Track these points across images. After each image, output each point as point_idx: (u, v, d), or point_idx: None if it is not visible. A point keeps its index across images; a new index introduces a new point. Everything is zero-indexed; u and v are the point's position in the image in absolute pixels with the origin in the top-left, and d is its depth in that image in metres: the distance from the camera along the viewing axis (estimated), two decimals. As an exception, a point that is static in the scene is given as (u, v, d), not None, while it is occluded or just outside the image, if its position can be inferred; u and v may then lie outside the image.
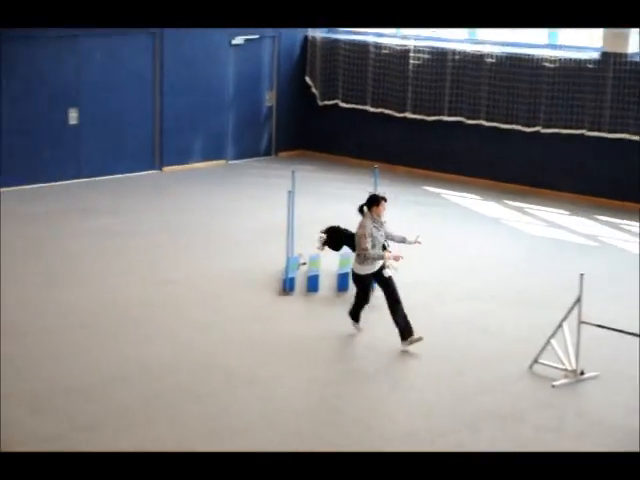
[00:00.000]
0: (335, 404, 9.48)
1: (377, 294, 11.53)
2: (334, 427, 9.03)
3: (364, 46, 19.38)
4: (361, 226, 10.71)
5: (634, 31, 16.29)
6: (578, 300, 10.01)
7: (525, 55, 17.43)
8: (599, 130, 16.72)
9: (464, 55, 18.11)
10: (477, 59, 17.94)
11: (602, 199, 16.60)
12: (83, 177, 17.96)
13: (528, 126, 17.46)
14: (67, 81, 17.60)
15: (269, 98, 20.18)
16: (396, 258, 10.68)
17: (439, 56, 18.40)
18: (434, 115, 18.60)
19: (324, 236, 12.60)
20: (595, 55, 16.75)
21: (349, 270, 12.75)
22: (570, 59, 16.91)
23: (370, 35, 19.44)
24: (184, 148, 19.16)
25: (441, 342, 10.89)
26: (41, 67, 17.30)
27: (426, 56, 18.59)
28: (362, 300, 11.04)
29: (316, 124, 20.36)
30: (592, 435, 8.87)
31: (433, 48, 18.49)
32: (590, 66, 16.71)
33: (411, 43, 18.75)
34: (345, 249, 12.80)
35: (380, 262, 10.71)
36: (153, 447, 8.65)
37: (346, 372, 10.23)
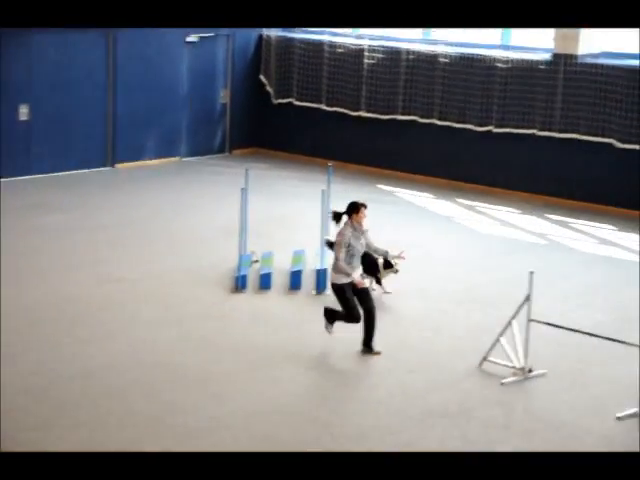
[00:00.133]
0: (286, 403, 9.50)
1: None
2: (286, 426, 9.04)
3: (319, 45, 19.41)
4: (339, 234, 10.39)
5: (584, 32, 16.46)
6: (527, 298, 10.11)
7: (478, 55, 17.56)
8: (550, 130, 16.88)
9: (418, 55, 18.20)
10: (431, 59, 18.04)
11: (553, 198, 16.77)
12: (34, 173, 17.83)
13: (481, 125, 17.59)
14: (18, 77, 17.45)
15: (223, 96, 20.15)
16: (359, 284, 10.36)
17: (393, 55, 18.48)
18: (388, 114, 18.68)
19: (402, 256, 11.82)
20: (546, 56, 16.91)
21: (301, 268, 12.82)
22: (522, 60, 17.05)
23: (325, 34, 19.48)
24: (137, 145, 19.08)
25: (392, 340, 10.94)
26: (-8, 63, 17.18)
27: (380, 55, 18.66)
28: (349, 316, 10.39)
29: (270, 122, 20.36)
30: (540, 432, 8.97)
31: (387, 48, 18.57)
32: (541, 67, 16.86)
33: (365, 43, 18.81)
34: (300, 247, 12.83)
35: (359, 272, 10.40)
36: (102, 447, 8.62)
37: (298, 370, 10.24)
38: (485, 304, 11.96)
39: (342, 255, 10.25)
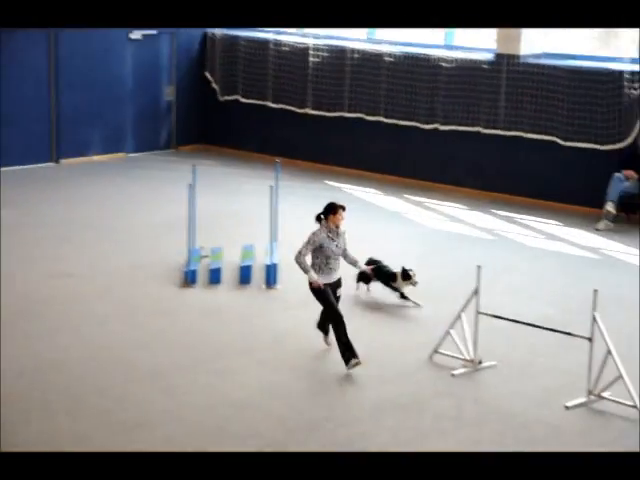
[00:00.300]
0: (238, 397, 9.49)
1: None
2: (238, 420, 9.04)
3: (264, 43, 19.42)
4: (313, 233, 10.11)
5: (526, 33, 16.66)
6: (476, 291, 10.21)
7: (422, 55, 17.68)
8: (494, 128, 17.05)
9: (363, 54, 18.28)
10: (376, 58, 18.12)
11: (498, 194, 16.95)
12: (-23, 169, 17.67)
13: (427, 123, 17.71)
14: (-41, 74, 17.28)
15: (168, 92, 20.07)
16: (314, 284, 10.03)
17: (338, 54, 18.54)
18: (335, 111, 18.74)
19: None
20: (489, 56, 17.08)
21: (251, 262, 12.82)
22: (465, 59, 17.21)
23: (270, 32, 19.49)
24: (82, 141, 18.95)
25: (343, 334, 10.98)
26: None
27: (325, 54, 18.71)
28: (332, 316, 10.01)
29: (217, 119, 20.33)
30: (490, 422, 9.06)
31: (332, 46, 18.62)
32: (485, 66, 17.03)
33: (310, 41, 18.85)
34: (248, 243, 12.83)
35: (338, 275, 10.13)
36: (52, 441, 8.56)
37: (248, 363, 10.24)
38: (434, 298, 12.05)
39: (304, 250, 10.00)
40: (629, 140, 15.74)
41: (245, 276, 12.53)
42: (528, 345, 10.70)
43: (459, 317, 10.26)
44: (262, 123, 19.71)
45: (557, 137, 16.39)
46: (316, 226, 10.27)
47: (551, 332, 10.13)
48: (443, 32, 17.77)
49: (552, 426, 8.96)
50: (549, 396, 9.55)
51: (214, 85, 20.27)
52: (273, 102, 19.47)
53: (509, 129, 16.91)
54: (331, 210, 10.09)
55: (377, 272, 11.73)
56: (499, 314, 10.38)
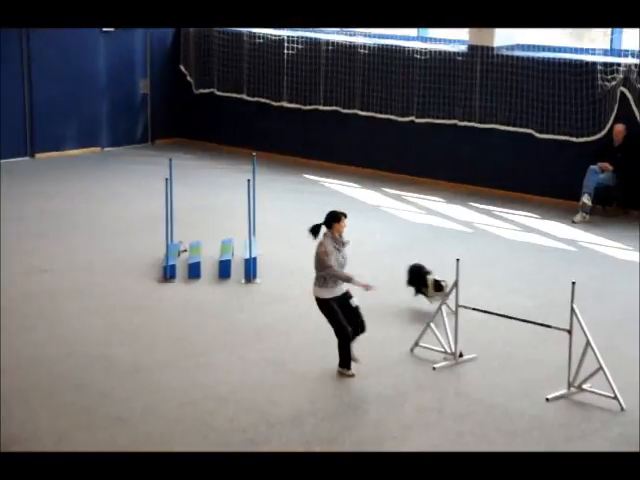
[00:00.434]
0: (220, 392, 9.49)
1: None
2: (220, 415, 9.04)
3: (238, 35, 19.37)
4: (321, 244, 9.56)
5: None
6: (455, 285, 10.26)
7: (396, 47, 17.69)
8: (470, 120, 17.10)
9: (337, 46, 18.28)
10: (350, 50, 18.12)
11: (476, 187, 16.99)
12: (-51, 164, 17.55)
13: (402, 116, 17.73)
14: None
15: (143, 86, 19.99)
16: (367, 287, 9.62)
17: (313, 46, 18.52)
18: (310, 104, 18.73)
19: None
20: (463, 48, 17.12)
21: (230, 257, 12.81)
22: (439, 52, 17.24)
23: (244, 24, 19.42)
24: (57, 135, 18.86)
25: (325, 327, 10.95)
26: None
27: (300, 46, 18.69)
28: (341, 335, 9.62)
29: (193, 112, 20.28)
30: (471, 415, 9.11)
31: (306, 39, 18.60)
32: (459, 59, 17.07)
33: (284, 33, 18.82)
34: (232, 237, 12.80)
35: (344, 286, 9.60)
36: (33, 438, 8.54)
37: (230, 359, 10.24)
38: (414, 291, 12.06)
39: (330, 262, 9.42)
40: (604, 132, 15.83)
41: (224, 270, 12.52)
42: (508, 338, 10.75)
43: (439, 310, 10.30)
44: (238, 116, 19.67)
45: (532, 129, 16.45)
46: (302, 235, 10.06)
47: (530, 324, 10.20)
48: (416, 24, 17.77)
49: (533, 418, 9.02)
50: (530, 388, 9.61)
51: (189, 78, 20.21)
52: (249, 95, 19.44)
53: (484, 121, 16.96)
54: (335, 219, 9.59)
55: (412, 277, 11.45)
56: (477, 306, 10.43)
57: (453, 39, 17.42)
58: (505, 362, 10.26)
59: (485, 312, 10.75)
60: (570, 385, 9.46)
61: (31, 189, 16.61)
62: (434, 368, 10.02)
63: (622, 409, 9.16)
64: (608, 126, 15.75)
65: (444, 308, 10.30)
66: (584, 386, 9.42)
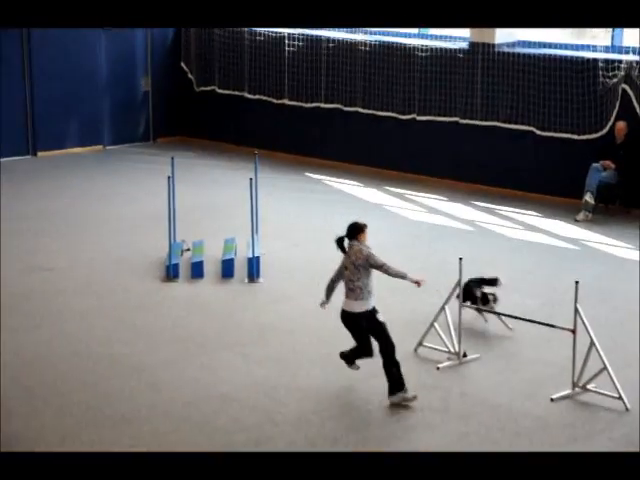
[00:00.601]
0: (224, 391, 9.50)
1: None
2: (224, 414, 9.06)
3: (239, 33, 19.34)
4: (360, 249, 9.21)
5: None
6: (458, 284, 10.26)
7: (397, 44, 17.68)
8: (472, 118, 17.09)
9: (338, 43, 18.27)
10: (351, 47, 18.11)
11: (477, 185, 16.98)
12: (-49, 162, 17.55)
13: (404, 114, 17.72)
14: None
15: (144, 84, 19.97)
16: (419, 283, 9.49)
17: (313, 44, 18.50)
18: (312, 102, 18.72)
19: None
20: (464, 45, 17.11)
21: (233, 256, 12.81)
22: (440, 49, 17.23)
23: (245, 21, 19.38)
24: (59, 133, 18.85)
25: (328, 326, 10.97)
26: None
27: (301, 44, 18.68)
28: (364, 350, 9.35)
29: (194, 110, 20.25)
30: (476, 415, 9.12)
31: (307, 36, 18.59)
32: (460, 55, 17.05)
33: (285, 31, 18.80)
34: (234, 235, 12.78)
35: (373, 301, 9.32)
36: (38, 437, 8.55)
37: (234, 358, 10.25)
38: (417, 290, 11.99)
39: (381, 260, 9.25)
40: (605, 130, 15.83)
41: (227, 269, 12.52)
42: (511, 338, 10.75)
43: (443, 310, 10.30)
44: (240, 114, 19.65)
45: (534, 127, 16.44)
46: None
47: (534, 324, 10.21)
48: (417, 20, 17.73)
49: (538, 418, 9.03)
50: (534, 388, 9.62)
51: (190, 76, 20.19)
52: (250, 93, 19.42)
53: (486, 119, 16.95)
54: (359, 230, 9.36)
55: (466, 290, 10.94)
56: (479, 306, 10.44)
57: (454, 36, 17.40)
58: (509, 362, 10.27)
59: (488, 312, 10.78)
60: (574, 385, 9.47)
61: (33, 188, 16.61)
62: (438, 368, 10.03)
63: (627, 409, 9.16)
64: (610, 124, 15.73)
65: (447, 308, 10.30)
66: (588, 386, 9.43)
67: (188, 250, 13.17)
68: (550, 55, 16.29)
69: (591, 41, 16.85)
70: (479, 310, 10.89)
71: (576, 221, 15.19)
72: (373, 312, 9.31)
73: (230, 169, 17.93)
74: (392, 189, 16.99)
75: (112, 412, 9.05)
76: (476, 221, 15.30)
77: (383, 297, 11.85)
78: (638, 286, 12.15)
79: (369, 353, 9.39)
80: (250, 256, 12.51)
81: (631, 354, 10.30)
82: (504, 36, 16.74)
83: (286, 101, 18.99)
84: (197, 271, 12.48)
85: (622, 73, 15.59)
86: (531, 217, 15.49)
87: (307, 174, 17.91)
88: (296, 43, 18.66)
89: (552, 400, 9.35)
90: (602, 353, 9.31)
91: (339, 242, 9.36)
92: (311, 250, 13.69)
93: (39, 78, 18.47)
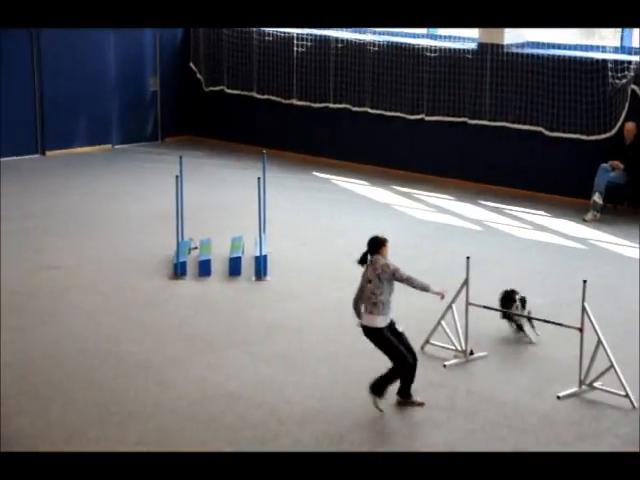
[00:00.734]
0: (230, 389, 9.50)
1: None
2: (230, 412, 9.05)
3: (247, 33, 19.36)
4: (386, 264, 9.05)
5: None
6: (465, 282, 10.25)
7: (406, 44, 17.68)
8: (480, 118, 17.07)
9: (347, 43, 18.27)
10: (360, 47, 18.12)
11: (485, 185, 16.97)
12: (-38, 161, 17.59)
13: (412, 114, 17.72)
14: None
15: (153, 83, 20.00)
16: (442, 295, 9.44)
17: (322, 44, 18.52)
18: (320, 102, 18.72)
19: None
20: (472, 45, 17.10)
21: (240, 254, 12.82)
22: (449, 49, 17.22)
23: (253, 22, 19.39)
24: (68, 132, 18.90)
25: (335, 325, 11.01)
26: None
27: (309, 44, 18.69)
28: (402, 361, 8.95)
29: (203, 110, 20.28)
30: (482, 412, 9.11)
31: (316, 36, 18.60)
32: (468, 56, 17.05)
33: (294, 31, 18.81)
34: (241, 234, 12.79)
35: (393, 314, 9.16)
36: (45, 435, 8.57)
37: (240, 356, 10.25)
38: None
39: (404, 271, 9.12)
40: (614, 130, 15.80)
41: (235, 268, 12.53)
42: (518, 336, 10.74)
43: (450, 308, 10.29)
44: (248, 114, 19.67)
45: (542, 127, 16.43)
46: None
47: (541, 322, 10.19)
48: (426, 21, 17.72)
49: (544, 416, 9.01)
50: (541, 386, 9.60)
51: (199, 76, 20.22)
52: (258, 93, 19.44)
53: (494, 119, 16.94)
54: (382, 244, 9.16)
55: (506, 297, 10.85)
56: (489, 305, 10.42)
57: (463, 37, 17.40)
58: (516, 360, 10.26)
59: (496, 310, 10.76)
60: (581, 383, 9.45)
61: (42, 186, 16.65)
62: (445, 366, 10.02)
63: (633, 407, 9.14)
64: (619, 124, 15.71)
65: (454, 306, 10.28)
66: (595, 384, 9.41)
67: (196, 248, 13.19)
68: (559, 56, 16.28)
69: (600, 42, 16.82)
70: (510, 318, 10.73)
71: (584, 221, 15.17)
72: (392, 323, 9.18)
73: (238, 168, 17.94)
74: (400, 189, 16.98)
75: (118, 410, 9.06)
76: (484, 221, 15.28)
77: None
78: (646, 285, 12.15)
79: (405, 362, 8.98)
80: (257, 254, 12.52)
81: (638, 352, 10.26)
82: (513, 37, 16.73)
83: (295, 101, 19.00)
84: (204, 269, 12.49)
85: (631, 74, 15.57)
86: (540, 217, 15.47)
87: (315, 173, 17.91)
88: (305, 43, 18.68)
89: (559, 398, 9.33)
90: (609, 351, 9.30)
91: (363, 259, 9.12)
92: (318, 249, 13.70)
93: (48, 78, 18.53)
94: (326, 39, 18.46)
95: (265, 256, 12.50)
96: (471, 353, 10.19)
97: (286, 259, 13.11)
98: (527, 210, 15.80)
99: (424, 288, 9.30)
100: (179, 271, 12.38)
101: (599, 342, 9.33)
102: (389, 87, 17.88)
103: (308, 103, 18.84)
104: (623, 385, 9.22)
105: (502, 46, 16.69)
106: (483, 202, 16.23)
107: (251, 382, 9.65)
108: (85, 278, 12.41)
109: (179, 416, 8.96)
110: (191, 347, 10.43)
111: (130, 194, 16.32)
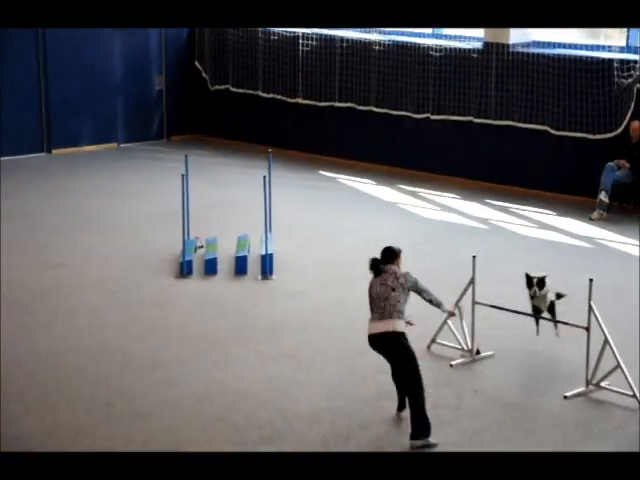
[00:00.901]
0: (237, 386, 9.51)
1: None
2: (237, 411, 9.06)
3: (253, 32, 19.35)
4: (406, 273, 8.98)
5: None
6: (471, 281, 10.24)
7: (411, 43, 17.66)
8: (486, 117, 17.06)
9: (352, 42, 18.27)
10: (365, 46, 18.11)
11: (491, 184, 16.96)
12: (-33, 159, 17.60)
13: (418, 113, 17.71)
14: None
15: (158, 82, 20.01)
16: (453, 313, 9.68)
17: (328, 43, 18.51)
18: (325, 101, 18.72)
19: None
20: (478, 45, 17.08)
21: (246, 253, 12.82)
22: (454, 48, 17.21)
23: (258, 21, 19.37)
24: (73, 131, 18.92)
25: (341, 323, 11.01)
26: None
27: (314, 43, 18.68)
28: (418, 372, 8.64)
29: (208, 108, 20.29)
30: (489, 412, 9.10)
31: (321, 35, 18.59)
32: (474, 55, 17.03)
33: (299, 30, 18.80)
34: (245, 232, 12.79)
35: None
36: (51, 433, 8.57)
37: (247, 355, 10.25)
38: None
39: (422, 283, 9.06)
40: (620, 129, 15.78)
41: (241, 266, 12.53)
42: (525, 335, 10.71)
43: (456, 307, 10.27)
44: (253, 113, 19.68)
45: (548, 126, 16.41)
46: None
47: (548, 322, 10.18)
48: (432, 20, 17.70)
49: (551, 416, 9.01)
50: (547, 386, 9.60)
51: (204, 74, 20.22)
52: (264, 91, 19.44)
53: (500, 118, 16.92)
54: (397, 254, 9.11)
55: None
56: (495, 304, 10.41)
57: (468, 36, 17.40)
58: (522, 359, 10.25)
59: (502, 309, 10.73)
60: (588, 383, 9.44)
61: (47, 185, 16.66)
62: (451, 365, 10.01)
63: (640, 407, 9.15)
64: (625, 123, 15.70)
65: (461, 305, 10.27)
66: (602, 384, 9.40)
67: (201, 247, 13.19)
68: (565, 55, 16.26)
69: (606, 41, 16.80)
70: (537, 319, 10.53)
71: (590, 220, 15.16)
72: None
73: (244, 167, 17.95)
74: (406, 187, 16.98)
75: (125, 408, 9.06)
76: (490, 219, 15.28)
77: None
78: (653, 285, 12.14)
79: (418, 368, 8.66)
80: (263, 253, 12.52)
81: (645, 352, 10.27)
82: (518, 36, 16.71)
83: (300, 100, 19.00)
84: (210, 268, 12.50)
85: (637, 73, 15.56)
86: (545, 216, 15.46)
87: (321, 172, 17.91)
88: (310, 42, 18.67)
89: (565, 398, 9.32)
90: (616, 351, 9.28)
91: (375, 265, 8.97)
92: (324, 247, 13.70)
93: (54, 76, 18.54)
94: (332, 38, 18.46)
95: (271, 255, 12.50)
96: (477, 352, 10.18)
97: (292, 258, 13.11)
98: (533, 209, 15.80)
99: (438, 304, 9.27)
100: (185, 270, 12.39)
101: (606, 341, 9.32)
102: (395, 86, 17.87)
103: (313, 102, 18.83)
104: (630, 385, 9.20)
105: (508, 45, 16.68)
106: (489, 201, 16.22)
107: (257, 380, 9.66)
108: (91, 276, 12.42)
109: (185, 414, 8.97)
110: (197, 346, 10.44)
111: (135, 193, 16.33)
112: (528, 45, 16.78)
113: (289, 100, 19.13)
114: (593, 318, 9.39)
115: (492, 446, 8.46)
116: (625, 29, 16.30)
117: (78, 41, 18.60)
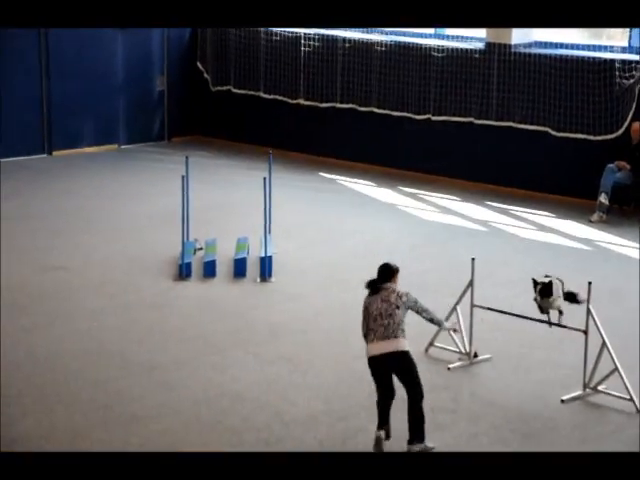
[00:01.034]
0: (235, 389, 9.52)
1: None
2: (234, 414, 9.06)
3: (255, 33, 19.36)
4: (407, 292, 8.75)
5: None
6: (470, 284, 10.24)
7: (413, 44, 17.66)
8: (487, 118, 17.05)
9: (354, 43, 18.26)
10: (367, 47, 18.11)
11: (491, 185, 16.95)
12: (-33, 161, 17.62)
13: (419, 114, 17.71)
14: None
15: (160, 83, 20.01)
16: (455, 330, 9.66)
17: (329, 44, 18.51)
18: (327, 102, 18.72)
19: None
20: (480, 45, 17.07)
21: (245, 255, 12.82)
22: (456, 49, 17.20)
23: (259, 22, 19.37)
24: (74, 132, 18.92)
25: (339, 326, 11.01)
26: None
27: (316, 44, 18.68)
28: (420, 388, 8.53)
29: (209, 110, 20.29)
30: (486, 416, 9.10)
31: (323, 36, 18.59)
32: (476, 56, 17.02)
33: (301, 30, 18.80)
34: (244, 234, 12.78)
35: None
36: (49, 435, 8.58)
37: (245, 357, 10.26)
38: (429, 290, 12.02)
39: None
40: (621, 130, 15.76)
41: (240, 269, 12.53)
42: (523, 338, 10.72)
43: (454, 310, 10.28)
44: (254, 114, 19.67)
45: (549, 127, 16.40)
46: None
47: (546, 325, 10.17)
48: (434, 20, 17.69)
49: (548, 420, 9.01)
50: (545, 389, 9.59)
51: (206, 75, 20.22)
52: (265, 93, 19.44)
53: (501, 119, 16.91)
54: (395, 272, 8.83)
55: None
56: (494, 307, 10.40)
57: (470, 36, 17.38)
58: (520, 363, 10.24)
59: (500, 312, 10.72)
60: (585, 386, 9.44)
61: (48, 186, 16.67)
62: (449, 368, 10.01)
63: (637, 411, 9.13)
64: (626, 124, 15.67)
65: (459, 308, 10.27)
66: (599, 387, 9.39)
67: (201, 249, 13.19)
68: (566, 56, 16.25)
69: (608, 42, 16.80)
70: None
71: (590, 222, 15.14)
72: None
73: (244, 168, 17.95)
74: (406, 189, 16.97)
75: (123, 410, 9.07)
76: (490, 221, 15.27)
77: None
78: (652, 287, 12.12)
79: (421, 387, 8.55)
80: (262, 255, 12.52)
81: (643, 356, 10.26)
82: (520, 36, 16.70)
83: (301, 101, 18.99)
84: (209, 270, 12.50)
85: (639, 74, 15.53)
86: (545, 218, 15.45)
87: (321, 174, 17.91)
88: (312, 43, 18.67)
89: (562, 401, 9.32)
90: (614, 354, 9.28)
91: (373, 285, 8.72)
92: (324, 250, 13.70)
93: (55, 77, 18.53)
94: (333, 39, 18.46)
95: (270, 257, 12.50)
96: (475, 356, 10.18)
97: (291, 260, 13.11)
98: (532, 211, 15.79)
99: (439, 323, 9.12)
100: (184, 272, 12.39)
101: (603, 345, 9.31)
102: (396, 87, 17.86)
103: (315, 103, 18.83)
104: (627, 388, 9.20)
105: (509, 46, 16.66)
106: (489, 202, 16.21)
107: (255, 383, 9.66)
108: (91, 278, 12.43)
109: (183, 417, 8.98)
110: (195, 348, 10.44)
111: (136, 194, 16.33)
112: (530, 45, 16.77)
113: (290, 101, 19.13)
114: (591, 321, 9.38)
115: (489, 449, 8.46)
116: (627, 29, 16.28)
117: (80, 42, 18.60)
